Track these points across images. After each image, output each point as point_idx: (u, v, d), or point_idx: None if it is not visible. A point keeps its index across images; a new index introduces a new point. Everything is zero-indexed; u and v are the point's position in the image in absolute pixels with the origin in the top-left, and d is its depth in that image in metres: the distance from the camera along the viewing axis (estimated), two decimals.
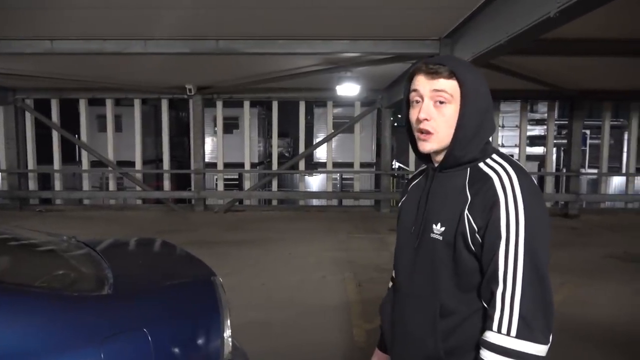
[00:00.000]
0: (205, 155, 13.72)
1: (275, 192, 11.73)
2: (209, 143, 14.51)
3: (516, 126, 15.62)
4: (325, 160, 12.02)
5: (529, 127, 19.48)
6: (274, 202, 12.15)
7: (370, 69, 7.57)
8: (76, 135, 11.73)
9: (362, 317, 4.53)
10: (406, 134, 1.40)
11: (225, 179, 14.55)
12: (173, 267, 2.52)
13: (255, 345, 3.83)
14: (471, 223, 1.22)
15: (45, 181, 13.67)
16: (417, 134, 1.31)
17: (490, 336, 1.19)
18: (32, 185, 11.56)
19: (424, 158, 1.38)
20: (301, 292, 5.18)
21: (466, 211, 1.23)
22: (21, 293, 1.77)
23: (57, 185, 11.73)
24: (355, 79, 7.59)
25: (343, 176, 16.65)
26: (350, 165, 11.94)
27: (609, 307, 4.93)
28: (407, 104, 1.35)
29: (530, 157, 17.92)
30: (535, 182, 1.30)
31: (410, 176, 1.57)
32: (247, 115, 11.40)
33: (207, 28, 5.47)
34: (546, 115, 15.78)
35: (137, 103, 11.40)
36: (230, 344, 2.08)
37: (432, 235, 1.30)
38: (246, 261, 6.47)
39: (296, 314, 4.64)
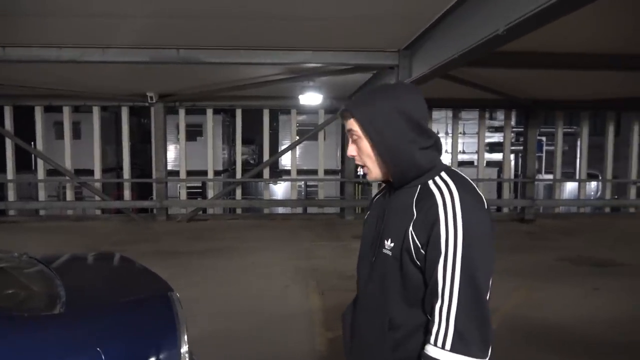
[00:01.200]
0: (169, 163, 13.53)
1: (239, 201, 11.65)
2: (172, 150, 14.30)
3: (476, 133, 16.09)
4: (290, 168, 12.03)
5: (489, 134, 20.10)
6: (239, 211, 12.06)
7: (332, 79, 7.66)
8: (32, 143, 11.32)
9: (325, 325, 4.57)
10: None
11: (189, 187, 14.33)
12: (129, 283, 2.50)
13: (217, 357, 3.83)
14: (414, 239, 1.28)
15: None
16: None
17: (429, 349, 1.24)
18: None
19: (385, 183, 1.49)
20: (264, 301, 5.18)
21: (411, 228, 1.29)
22: None
23: (11, 195, 11.27)
24: (317, 89, 7.68)
25: (308, 183, 16.69)
26: (315, 172, 11.99)
27: (561, 308, 5.14)
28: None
29: (490, 164, 18.50)
30: (481, 193, 1.38)
31: (375, 193, 1.66)
32: (210, 123, 11.31)
33: (168, 37, 5.43)
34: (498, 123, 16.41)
35: (95, 110, 11.11)
36: (188, 359, 2.08)
37: (384, 250, 1.36)
38: (208, 271, 6.41)
39: (259, 324, 4.63)
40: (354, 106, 1.39)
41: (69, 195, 11.47)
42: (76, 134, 12.61)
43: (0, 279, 2.32)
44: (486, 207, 1.34)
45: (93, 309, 2.09)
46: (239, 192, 11.66)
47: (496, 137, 22.51)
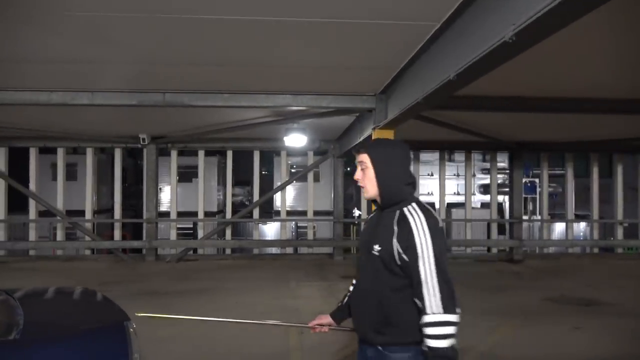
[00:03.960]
0: (163, 204, 13.65)
1: (228, 241, 11.71)
2: (166, 191, 14.44)
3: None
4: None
5: (483, 175, 20.28)
6: (228, 251, 12.09)
7: (317, 121, 7.92)
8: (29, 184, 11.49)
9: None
10: None
11: (182, 228, 14.40)
12: (87, 312, 2.58)
13: None
14: (398, 247, 1.93)
15: None
16: None
17: (427, 318, 1.87)
18: None
19: (375, 202, 2.13)
20: (242, 341, 5.14)
21: (395, 239, 1.94)
22: None
23: (1, 235, 11.32)
24: (302, 130, 7.91)
25: (299, 224, 16.74)
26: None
27: (540, 347, 5.15)
28: None
29: (485, 205, 18.58)
30: (437, 217, 2.02)
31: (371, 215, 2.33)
32: (202, 165, 11.52)
33: (154, 81, 5.68)
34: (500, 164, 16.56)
35: (89, 152, 11.35)
36: None
37: (373, 252, 1.99)
38: (189, 311, 6.39)
39: None
40: (371, 147, 2.08)
41: (60, 235, 11.53)
42: (72, 175, 12.80)
43: None
44: (440, 224, 2.00)
45: (48, 336, 2.17)
46: (229, 232, 11.74)
47: (488, 179, 22.74)
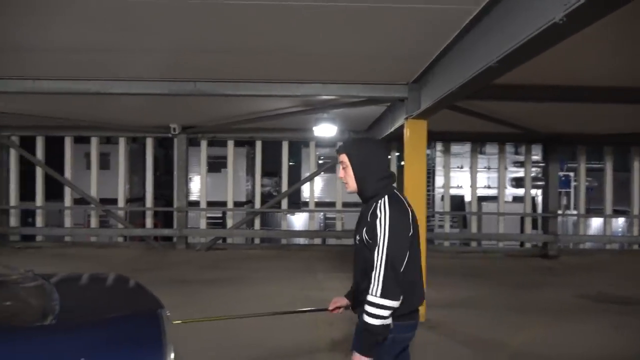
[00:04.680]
0: (194, 194, 13.81)
1: (257, 231, 11.77)
2: (196, 181, 14.59)
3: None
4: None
5: (515, 168, 19.78)
6: (257, 241, 12.16)
7: (347, 111, 7.82)
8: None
9: (331, 356, 4.54)
10: None
11: (212, 218, 14.56)
12: (122, 299, 2.59)
13: None
14: (367, 237, 2.26)
15: (32, 218, 13.60)
16: None
17: (368, 297, 2.17)
18: (14, 221, 11.52)
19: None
20: (270, 332, 5.13)
21: (365, 229, 2.28)
22: None
23: (39, 222, 11.70)
24: (332, 120, 7.83)
25: (328, 215, 16.72)
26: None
27: (575, 346, 4.98)
28: None
29: (518, 199, 18.12)
30: (407, 208, 2.36)
31: None
32: (231, 155, 11.59)
33: (185, 70, 5.69)
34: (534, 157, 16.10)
35: (122, 141, 11.58)
36: None
37: (356, 241, 2.38)
38: (216, 300, 6.45)
39: (262, 356, 4.61)
40: (349, 148, 2.37)
41: (93, 222, 11.84)
42: (105, 164, 13.07)
43: (1, 292, 2.45)
44: (408, 215, 2.31)
45: (83, 322, 2.18)
46: (257, 222, 11.80)
47: (522, 172, 22.16)
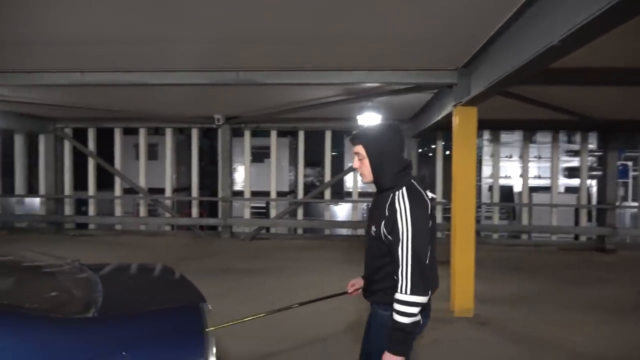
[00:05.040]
0: (238, 184, 13.97)
1: (300, 221, 11.76)
2: (240, 171, 14.73)
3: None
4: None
5: (567, 158, 18.89)
6: (300, 231, 12.16)
7: (391, 100, 7.59)
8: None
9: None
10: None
11: (256, 207, 14.69)
12: (165, 292, 2.56)
13: None
14: (384, 230, 2.22)
15: (85, 207, 14.18)
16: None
17: (397, 295, 2.15)
18: (68, 210, 12.02)
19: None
20: (312, 322, 5.09)
21: (383, 222, 2.23)
22: None
23: (91, 210, 12.15)
24: (376, 109, 7.62)
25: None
26: None
27: (634, 346, 4.65)
28: None
29: (570, 189, 17.30)
30: (426, 200, 2.30)
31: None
32: (274, 145, 11.59)
33: (227, 60, 5.65)
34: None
35: (168, 132, 11.81)
36: None
37: (371, 232, 2.33)
38: (258, 289, 6.45)
39: (305, 346, 4.57)
40: (365, 138, 2.29)
41: (142, 211, 12.18)
42: (153, 155, 13.40)
43: (48, 283, 2.47)
44: (427, 207, 2.27)
45: (124, 315, 2.16)
46: (300, 212, 11.78)
47: (576, 162, 21.13)
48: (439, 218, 12.12)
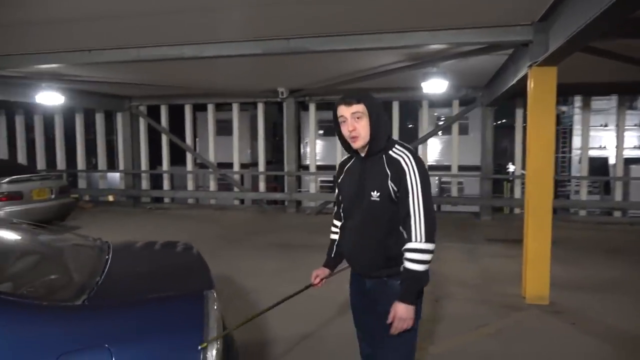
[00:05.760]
0: (308, 158, 13.85)
1: None
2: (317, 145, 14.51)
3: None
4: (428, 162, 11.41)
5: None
6: None
7: (460, 64, 6.92)
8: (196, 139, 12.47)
9: (430, 337, 4.04)
10: (340, 141, 2.33)
11: (324, 181, 14.52)
12: (173, 276, 2.36)
13: None
14: (393, 187, 2.17)
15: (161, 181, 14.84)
16: (349, 140, 2.25)
17: (410, 244, 2.13)
18: (145, 184, 12.58)
19: (353, 151, 2.33)
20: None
21: (389, 181, 2.17)
22: None
23: (166, 185, 12.64)
24: (442, 75, 6.98)
25: (443, 180, 15.71)
26: (458, 168, 11.25)
27: None
28: (337, 124, 2.28)
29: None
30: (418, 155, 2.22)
31: (341, 161, 2.49)
32: None
33: (277, 27, 5.37)
34: None
35: (235, 107, 11.85)
36: None
37: (372, 198, 2.22)
38: (313, 267, 6.21)
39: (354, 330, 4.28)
40: (367, 99, 2.22)
41: (212, 186, 12.45)
42: (227, 130, 13.61)
43: (53, 266, 2.37)
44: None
45: (117, 304, 1.98)
46: None
47: None
48: (517, 192, 11.21)
